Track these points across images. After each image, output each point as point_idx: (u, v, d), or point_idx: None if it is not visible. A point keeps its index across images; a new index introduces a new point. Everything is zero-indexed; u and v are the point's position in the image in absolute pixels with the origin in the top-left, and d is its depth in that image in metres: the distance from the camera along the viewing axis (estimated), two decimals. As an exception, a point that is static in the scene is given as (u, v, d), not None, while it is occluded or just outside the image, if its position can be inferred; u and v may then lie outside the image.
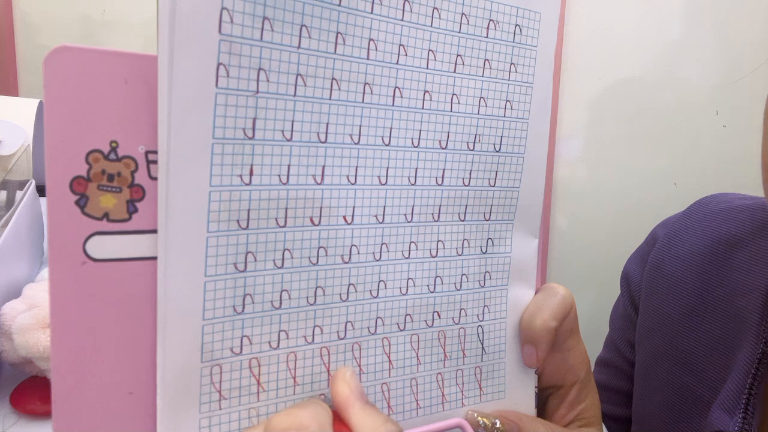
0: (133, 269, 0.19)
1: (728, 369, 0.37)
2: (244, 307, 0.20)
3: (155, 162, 0.19)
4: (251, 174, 0.19)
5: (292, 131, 0.20)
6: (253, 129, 0.19)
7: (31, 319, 0.39)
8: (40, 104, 0.74)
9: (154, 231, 0.19)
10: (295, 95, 0.19)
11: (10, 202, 0.60)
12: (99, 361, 0.18)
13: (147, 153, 0.18)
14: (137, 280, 0.19)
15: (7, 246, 0.44)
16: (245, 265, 0.20)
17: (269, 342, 0.20)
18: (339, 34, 0.20)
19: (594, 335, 0.49)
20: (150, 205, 0.19)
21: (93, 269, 0.18)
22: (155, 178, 0.19)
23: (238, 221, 0.19)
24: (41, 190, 0.58)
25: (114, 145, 0.18)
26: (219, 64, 0.18)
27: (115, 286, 0.18)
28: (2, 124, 0.69)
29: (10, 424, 0.39)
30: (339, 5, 0.20)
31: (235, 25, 0.18)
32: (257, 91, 0.19)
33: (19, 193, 0.57)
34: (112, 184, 0.18)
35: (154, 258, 0.19)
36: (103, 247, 0.18)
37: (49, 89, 0.17)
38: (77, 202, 0.18)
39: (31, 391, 0.42)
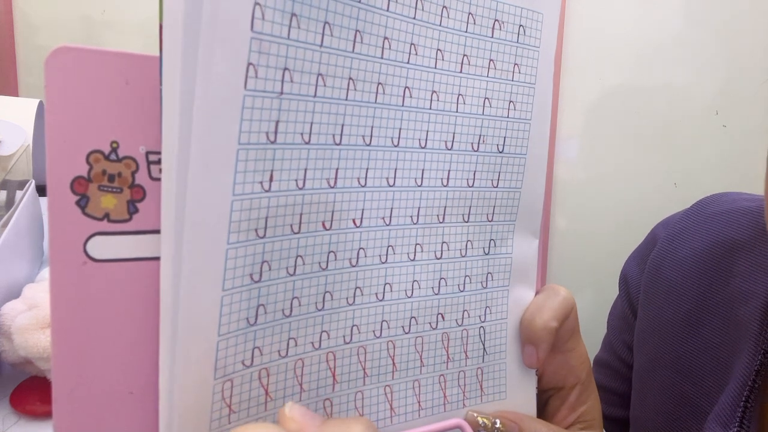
0: (134, 269, 0.18)
1: (726, 378, 0.36)
2: (257, 318, 0.19)
3: (156, 162, 0.18)
4: (271, 180, 0.18)
5: (310, 134, 0.19)
6: (276, 132, 0.18)
7: (30, 320, 0.39)
8: (40, 104, 0.74)
9: (155, 231, 0.18)
10: (315, 96, 0.19)
11: (10, 202, 0.60)
12: (99, 360, 0.18)
13: (148, 153, 0.18)
14: (138, 280, 0.18)
15: (7, 246, 0.44)
16: (260, 275, 0.19)
17: (279, 351, 0.20)
18: (357, 32, 0.20)
19: (593, 335, 0.49)
20: (150, 205, 0.19)
21: (93, 269, 0.18)
22: (156, 179, 0.19)
23: (256, 230, 0.18)
24: (41, 190, 0.58)
25: (115, 145, 0.18)
26: (249, 64, 0.17)
27: (115, 286, 0.18)
28: (2, 124, 0.69)
29: (11, 424, 0.39)
30: (359, 2, 0.19)
31: (266, 22, 0.17)
32: (281, 92, 0.18)
33: (19, 193, 0.57)
34: (113, 185, 0.18)
35: (155, 258, 0.18)
36: (103, 247, 0.18)
37: (51, 89, 0.17)
38: (78, 203, 0.18)
39: (31, 391, 0.42)
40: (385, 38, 0.20)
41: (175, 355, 0.18)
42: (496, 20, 0.23)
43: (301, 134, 0.19)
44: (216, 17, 0.16)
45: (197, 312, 0.18)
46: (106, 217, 0.18)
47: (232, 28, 0.16)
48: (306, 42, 0.18)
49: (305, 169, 0.19)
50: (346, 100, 0.20)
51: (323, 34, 0.19)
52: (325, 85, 0.19)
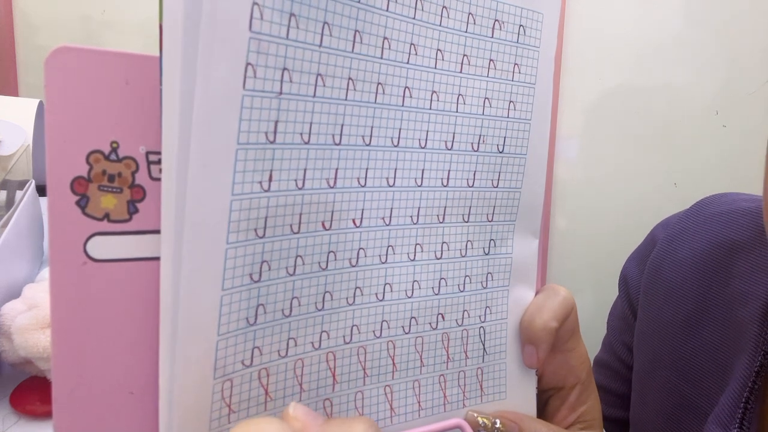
0: (134, 269, 0.18)
1: (726, 379, 0.36)
2: (256, 318, 0.19)
3: (156, 163, 0.18)
4: (270, 180, 0.18)
5: (309, 134, 0.19)
6: (275, 132, 0.18)
7: (30, 320, 0.39)
8: (40, 104, 0.74)
9: (155, 231, 0.18)
10: (314, 96, 0.19)
11: (10, 202, 0.60)
12: (99, 360, 0.18)
13: (148, 153, 0.18)
14: (138, 280, 0.18)
15: (7, 246, 0.44)
16: (260, 275, 0.19)
17: (278, 351, 0.20)
18: (357, 32, 0.20)
19: (593, 336, 0.49)
20: (150, 205, 0.19)
21: (93, 269, 0.18)
22: (156, 179, 0.19)
23: (255, 230, 0.19)
24: (41, 190, 0.58)
25: (115, 145, 0.18)
26: (247, 64, 0.17)
27: (115, 286, 0.18)
28: (2, 124, 0.69)
29: (11, 424, 0.39)
30: (359, 2, 0.19)
31: (265, 22, 0.17)
32: (281, 92, 0.18)
33: (19, 193, 0.57)
34: (113, 185, 0.18)
35: (155, 258, 0.18)
36: (103, 247, 0.18)
37: (50, 90, 0.17)
38: (78, 203, 0.18)
39: (31, 391, 0.42)
40: (385, 38, 0.20)
41: (175, 355, 0.17)
42: (496, 20, 0.23)
43: (301, 134, 0.19)
44: (215, 17, 0.16)
45: (197, 311, 0.18)
46: (106, 217, 0.18)
47: (230, 28, 0.16)
48: (305, 42, 0.18)
49: (305, 169, 0.19)
50: (346, 100, 0.20)
51: (322, 34, 0.19)
52: (324, 85, 0.19)
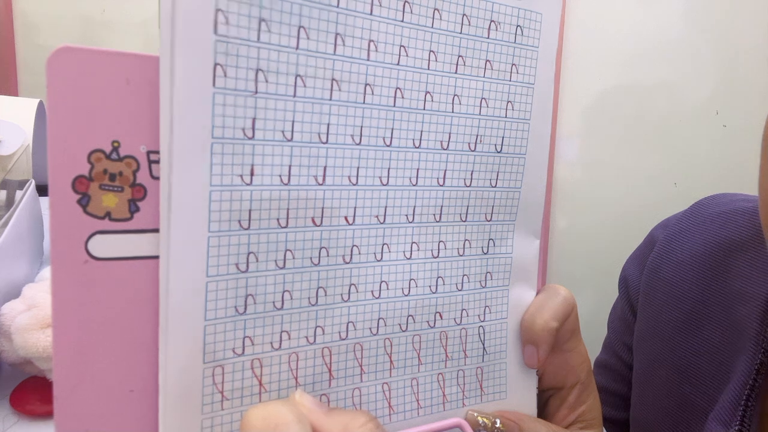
0: (135, 268, 0.19)
1: (726, 378, 0.36)
2: (245, 308, 0.20)
3: (157, 162, 0.19)
4: (252, 174, 0.19)
5: (292, 132, 0.20)
6: (253, 129, 0.19)
7: (30, 319, 0.39)
8: (40, 104, 0.74)
9: (156, 230, 0.19)
10: (294, 96, 0.19)
11: (10, 202, 0.60)
12: (100, 359, 0.18)
13: (148, 153, 0.18)
14: (139, 278, 0.19)
15: (7, 246, 0.44)
16: (247, 266, 0.20)
17: (271, 343, 0.20)
18: (338, 35, 0.20)
19: (593, 336, 0.49)
20: (151, 204, 0.19)
21: (95, 268, 0.18)
22: (157, 178, 0.19)
23: (239, 221, 0.19)
24: (41, 190, 0.58)
25: (116, 144, 0.18)
26: (216, 65, 0.18)
27: (116, 285, 0.18)
28: (2, 124, 0.69)
29: (10, 424, 0.39)
30: (337, 6, 0.20)
31: (231, 26, 0.18)
32: (256, 92, 0.19)
33: (19, 193, 0.57)
34: (114, 184, 0.18)
35: (156, 257, 0.19)
36: (104, 246, 0.18)
37: (52, 89, 0.17)
38: (79, 202, 0.18)
39: (31, 391, 0.42)
40: (371, 41, 0.21)
41: (167, 338, 0.18)
42: (491, 21, 0.23)
43: (282, 132, 0.19)
44: (182, 20, 0.17)
45: (183, 296, 0.18)
46: (108, 215, 0.18)
47: (196, 30, 0.17)
48: (279, 45, 0.19)
49: (289, 166, 0.20)
50: (330, 100, 0.20)
51: (299, 38, 0.19)
52: (305, 86, 0.20)
